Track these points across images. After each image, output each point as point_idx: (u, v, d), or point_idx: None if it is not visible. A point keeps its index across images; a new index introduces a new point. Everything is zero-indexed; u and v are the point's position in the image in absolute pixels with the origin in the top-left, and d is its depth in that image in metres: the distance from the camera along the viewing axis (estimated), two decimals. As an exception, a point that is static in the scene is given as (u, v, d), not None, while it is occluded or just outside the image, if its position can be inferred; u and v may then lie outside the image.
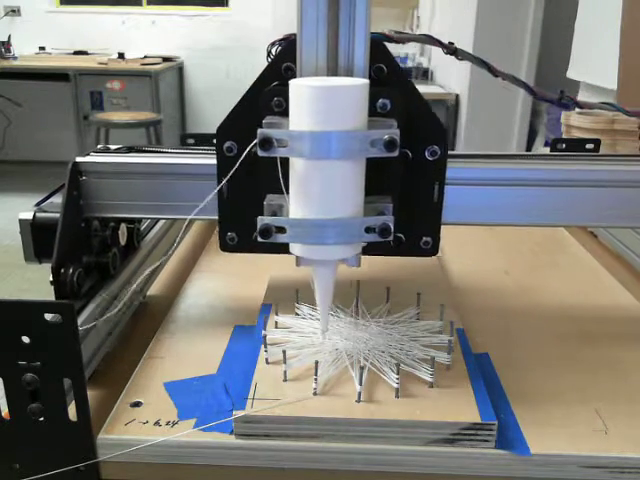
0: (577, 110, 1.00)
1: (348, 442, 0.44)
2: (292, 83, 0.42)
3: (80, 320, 0.48)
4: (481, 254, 0.82)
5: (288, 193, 0.44)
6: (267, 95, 0.46)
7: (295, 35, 0.45)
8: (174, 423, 0.46)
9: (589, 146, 0.75)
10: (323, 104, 0.40)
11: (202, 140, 0.68)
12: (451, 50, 0.51)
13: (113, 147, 0.59)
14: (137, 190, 0.54)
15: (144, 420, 0.46)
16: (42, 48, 4.32)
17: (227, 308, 0.65)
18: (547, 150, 0.83)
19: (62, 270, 0.50)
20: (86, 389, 0.42)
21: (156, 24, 4.44)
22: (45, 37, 4.35)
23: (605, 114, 1.00)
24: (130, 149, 0.58)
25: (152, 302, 0.67)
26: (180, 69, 4.47)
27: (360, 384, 0.45)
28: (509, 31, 2.89)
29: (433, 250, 0.52)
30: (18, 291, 2.41)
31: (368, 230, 0.44)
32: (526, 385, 0.52)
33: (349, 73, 0.45)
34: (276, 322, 0.55)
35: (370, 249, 0.49)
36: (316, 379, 0.46)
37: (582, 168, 0.52)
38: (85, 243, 0.55)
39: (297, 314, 0.57)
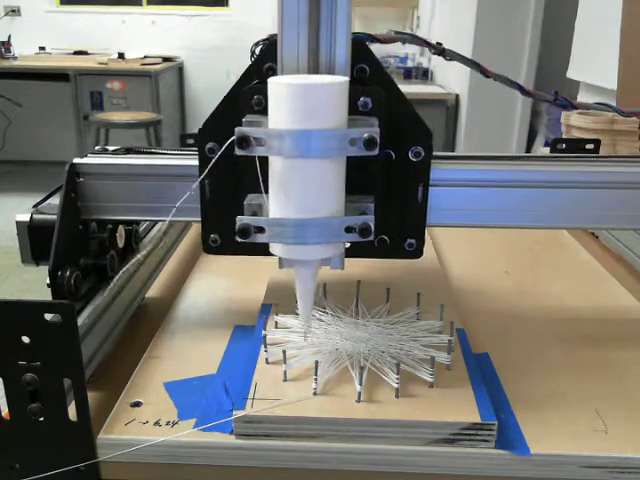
0: (578, 110, 1.00)
1: (348, 442, 0.44)
2: (270, 81, 0.41)
3: (80, 321, 0.48)
4: (481, 254, 0.82)
5: (267, 193, 0.44)
6: (247, 93, 0.46)
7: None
8: (174, 423, 0.46)
9: (589, 146, 0.75)
10: (301, 102, 0.40)
11: None
12: (439, 50, 0.50)
13: (111, 148, 0.59)
14: (135, 192, 0.53)
15: (144, 420, 0.46)
16: (42, 48, 4.32)
17: (227, 308, 0.65)
18: (547, 150, 0.83)
19: (59, 273, 0.49)
20: (86, 389, 0.42)
21: (156, 24, 4.44)
22: (45, 37, 4.35)
23: (605, 114, 1.00)
24: (128, 150, 0.57)
25: (152, 302, 0.67)
26: (180, 69, 4.48)
27: (360, 384, 0.45)
28: (509, 31, 2.89)
29: (417, 252, 0.52)
30: (18, 291, 2.41)
31: (348, 230, 0.43)
32: (526, 385, 0.52)
33: (330, 73, 0.45)
34: (276, 322, 0.55)
35: (354, 251, 0.49)
36: (316, 379, 0.46)
37: (582, 170, 0.52)
38: (83, 245, 0.55)
39: (297, 314, 0.57)
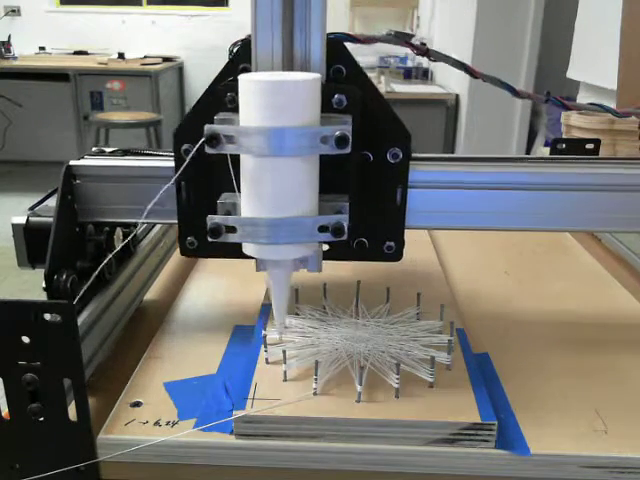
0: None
1: (348, 442, 0.44)
2: (241, 78, 0.41)
3: (79, 321, 0.48)
4: (481, 254, 0.82)
5: (240, 191, 0.43)
6: (221, 91, 0.45)
7: None
8: (174, 423, 0.46)
9: (589, 146, 0.75)
10: (270, 99, 0.39)
11: None
12: (422, 51, 0.49)
13: (108, 150, 0.58)
14: (132, 194, 0.53)
15: (144, 420, 0.46)
16: (42, 48, 4.32)
17: (227, 308, 0.65)
18: (547, 150, 0.82)
19: (55, 276, 0.49)
20: (86, 389, 0.42)
21: (156, 24, 4.44)
22: (45, 37, 4.35)
23: (605, 114, 1.00)
24: (125, 152, 0.57)
25: (152, 303, 0.67)
26: (180, 69, 4.48)
27: (360, 384, 0.45)
28: (509, 31, 2.89)
29: (397, 255, 0.51)
30: (18, 292, 2.41)
31: (322, 229, 0.42)
32: (526, 385, 0.52)
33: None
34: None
35: (333, 254, 0.49)
36: (316, 379, 0.46)
37: (583, 172, 0.51)
38: (80, 248, 0.54)
39: (297, 314, 0.57)
